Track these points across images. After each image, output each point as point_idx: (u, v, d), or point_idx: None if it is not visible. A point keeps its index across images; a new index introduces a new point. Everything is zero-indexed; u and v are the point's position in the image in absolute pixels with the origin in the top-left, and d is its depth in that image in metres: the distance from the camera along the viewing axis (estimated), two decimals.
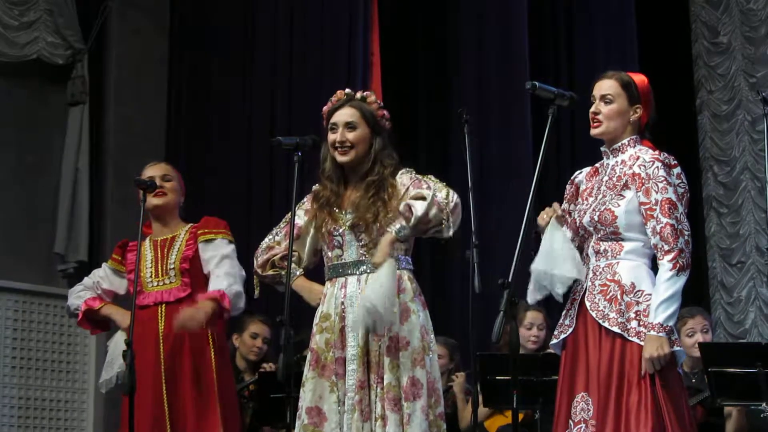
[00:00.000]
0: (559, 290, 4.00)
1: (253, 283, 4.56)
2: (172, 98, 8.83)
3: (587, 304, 3.98)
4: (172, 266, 4.91)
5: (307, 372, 4.19)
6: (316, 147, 4.33)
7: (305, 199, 4.41)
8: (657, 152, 4.00)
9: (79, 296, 5.12)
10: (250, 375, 6.17)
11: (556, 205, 4.14)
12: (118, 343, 4.95)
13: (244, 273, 4.92)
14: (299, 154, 4.25)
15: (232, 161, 8.33)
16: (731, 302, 8.66)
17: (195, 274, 4.93)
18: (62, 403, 8.23)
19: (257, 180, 8.16)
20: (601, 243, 4.01)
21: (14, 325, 8.07)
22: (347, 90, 4.36)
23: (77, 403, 8.29)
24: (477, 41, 7.99)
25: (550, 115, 3.84)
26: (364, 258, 4.20)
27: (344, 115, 4.27)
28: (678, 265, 3.86)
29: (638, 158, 3.98)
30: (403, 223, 4.10)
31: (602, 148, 4.13)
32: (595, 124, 4.06)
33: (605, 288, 3.95)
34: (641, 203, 3.93)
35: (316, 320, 4.26)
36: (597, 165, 4.17)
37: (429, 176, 4.29)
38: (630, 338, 3.88)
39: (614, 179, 4.02)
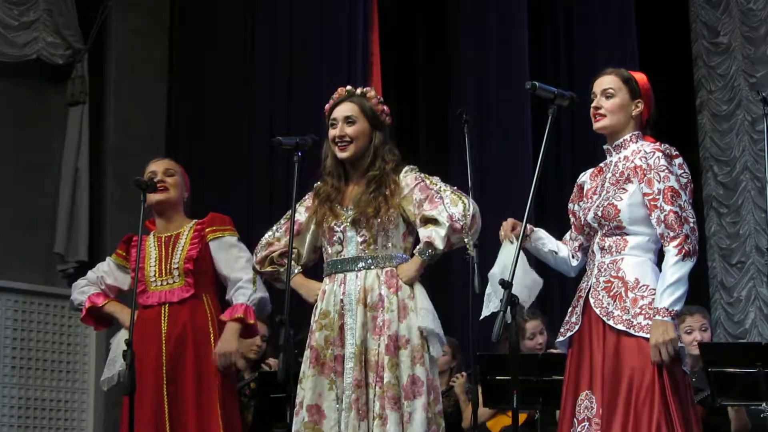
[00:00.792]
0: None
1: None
2: (172, 98, 8.82)
3: (591, 301, 3.95)
4: (176, 266, 4.87)
5: (306, 369, 4.19)
6: (316, 147, 4.33)
7: (307, 196, 4.42)
8: (658, 144, 3.98)
9: (82, 291, 5.08)
10: (249, 373, 6.17)
11: (510, 220, 4.10)
12: (120, 341, 4.89)
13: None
14: (299, 154, 4.24)
15: (232, 161, 8.32)
16: (731, 302, 8.67)
17: (199, 274, 4.90)
18: (62, 403, 8.22)
19: (257, 180, 8.15)
20: (605, 239, 3.99)
21: (14, 325, 8.06)
22: (348, 87, 4.37)
23: (77, 403, 8.29)
24: (477, 41, 7.98)
25: (550, 115, 3.84)
26: (363, 254, 4.20)
27: (344, 110, 4.29)
28: (684, 251, 3.82)
29: (640, 152, 3.96)
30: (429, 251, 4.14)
31: (605, 146, 4.12)
32: (598, 118, 4.04)
33: (609, 285, 3.93)
34: (644, 194, 3.90)
35: (314, 317, 4.26)
36: (601, 164, 4.15)
37: (435, 178, 4.28)
38: (636, 334, 3.82)
39: (617, 175, 4.00)
